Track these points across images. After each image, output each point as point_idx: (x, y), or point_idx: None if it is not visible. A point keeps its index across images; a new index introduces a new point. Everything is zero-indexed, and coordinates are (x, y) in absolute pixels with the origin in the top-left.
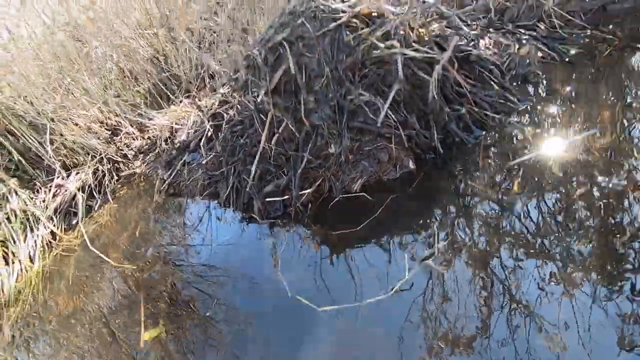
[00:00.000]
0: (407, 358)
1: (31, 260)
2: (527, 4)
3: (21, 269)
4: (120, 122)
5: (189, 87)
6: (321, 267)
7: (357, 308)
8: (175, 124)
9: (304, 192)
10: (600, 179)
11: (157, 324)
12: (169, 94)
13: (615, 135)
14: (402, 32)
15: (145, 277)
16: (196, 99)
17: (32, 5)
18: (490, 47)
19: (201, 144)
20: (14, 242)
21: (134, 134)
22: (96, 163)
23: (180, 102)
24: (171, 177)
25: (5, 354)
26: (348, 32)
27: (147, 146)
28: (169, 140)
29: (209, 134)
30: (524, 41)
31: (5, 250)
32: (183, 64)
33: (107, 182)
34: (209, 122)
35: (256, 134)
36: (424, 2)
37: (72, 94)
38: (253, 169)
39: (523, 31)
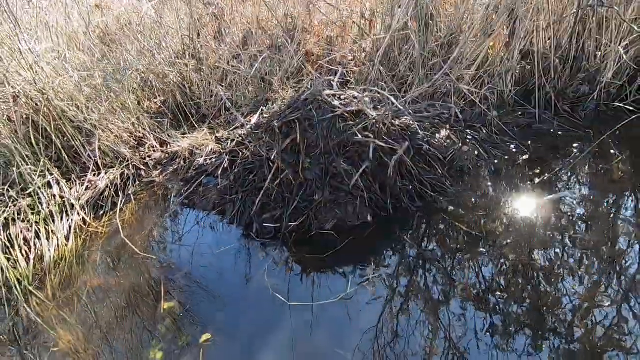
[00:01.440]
0: (347, 341)
1: (66, 239)
2: (478, 111)
3: (58, 245)
4: (146, 135)
5: (206, 113)
6: (295, 277)
7: (314, 305)
8: (196, 148)
9: (291, 223)
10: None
11: (172, 299)
12: (188, 115)
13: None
14: (377, 127)
15: (164, 266)
16: (214, 130)
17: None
18: (443, 139)
19: (218, 172)
20: (53, 221)
21: (156, 147)
22: (123, 167)
23: (200, 128)
24: (187, 192)
25: (51, 304)
26: (340, 121)
27: (165, 160)
28: (187, 160)
29: (226, 165)
30: (467, 140)
31: (47, 227)
32: (204, 94)
33: (130, 185)
34: (226, 156)
35: (263, 174)
36: (396, 109)
37: (113, 106)
38: (257, 200)
39: (469, 132)
